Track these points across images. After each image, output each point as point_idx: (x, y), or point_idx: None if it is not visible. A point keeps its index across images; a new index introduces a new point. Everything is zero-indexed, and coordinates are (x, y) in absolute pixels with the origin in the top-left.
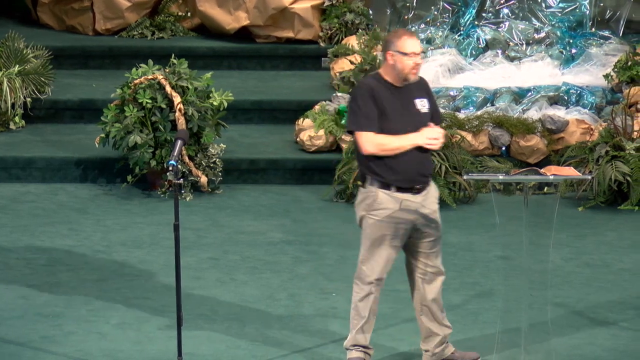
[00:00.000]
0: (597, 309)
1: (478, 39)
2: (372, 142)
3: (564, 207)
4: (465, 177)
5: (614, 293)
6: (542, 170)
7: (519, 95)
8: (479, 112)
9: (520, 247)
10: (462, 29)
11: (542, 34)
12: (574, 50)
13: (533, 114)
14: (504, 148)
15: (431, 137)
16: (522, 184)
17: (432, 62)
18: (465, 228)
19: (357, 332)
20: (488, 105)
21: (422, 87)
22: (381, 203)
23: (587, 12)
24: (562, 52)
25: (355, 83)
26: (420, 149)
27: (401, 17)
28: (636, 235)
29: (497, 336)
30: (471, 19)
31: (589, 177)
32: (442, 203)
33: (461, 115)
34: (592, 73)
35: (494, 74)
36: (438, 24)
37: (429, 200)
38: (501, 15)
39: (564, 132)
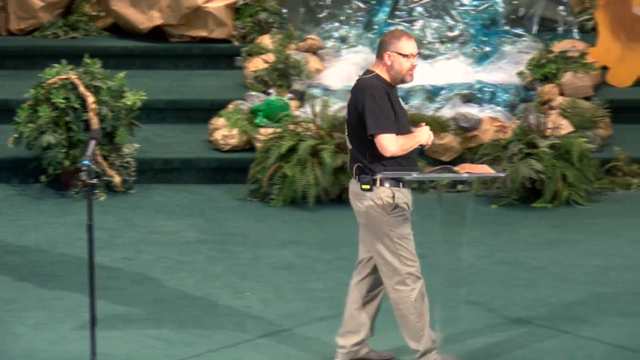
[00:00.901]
0: (511, 307)
1: None
2: (395, 144)
3: (477, 205)
4: (379, 175)
5: (528, 290)
6: (456, 169)
7: (432, 94)
8: None
9: (435, 245)
10: (375, 27)
11: (456, 32)
12: (487, 48)
13: (447, 112)
14: (417, 146)
15: (430, 135)
16: (436, 182)
17: (345, 60)
18: None
19: (426, 332)
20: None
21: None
22: (399, 200)
23: (501, 10)
24: (475, 50)
25: (355, 84)
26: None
27: (315, 16)
28: (550, 233)
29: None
30: (385, 17)
31: (503, 175)
32: None
33: None
34: (505, 71)
35: None
36: (352, 22)
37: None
38: (415, 14)
39: (477, 130)
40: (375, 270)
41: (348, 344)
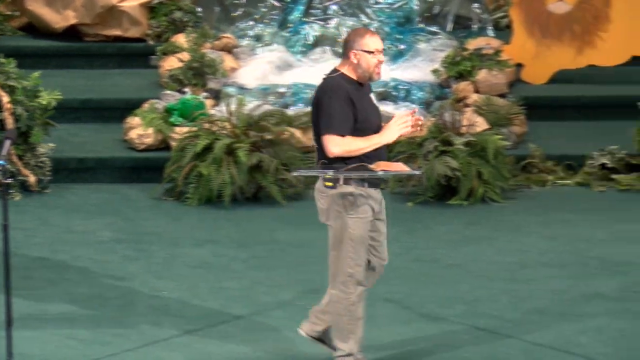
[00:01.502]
0: (427, 304)
1: (306, 36)
2: (337, 144)
3: (393, 203)
4: (294, 173)
5: (444, 288)
6: (372, 167)
7: None
8: (308, 109)
9: None
10: (290, 25)
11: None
12: (402, 46)
13: None
14: None
15: (402, 125)
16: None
17: (260, 59)
18: (295, 225)
19: (356, 335)
20: None
21: (368, 85)
22: (359, 201)
23: (415, 8)
24: (390, 48)
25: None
26: (386, 146)
27: (230, 15)
28: (466, 230)
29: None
30: (300, 15)
31: (418, 173)
32: (271, 200)
33: (290, 111)
34: (420, 69)
35: (322, 71)
36: (266, 21)
37: (381, 193)
38: (329, 12)
39: None
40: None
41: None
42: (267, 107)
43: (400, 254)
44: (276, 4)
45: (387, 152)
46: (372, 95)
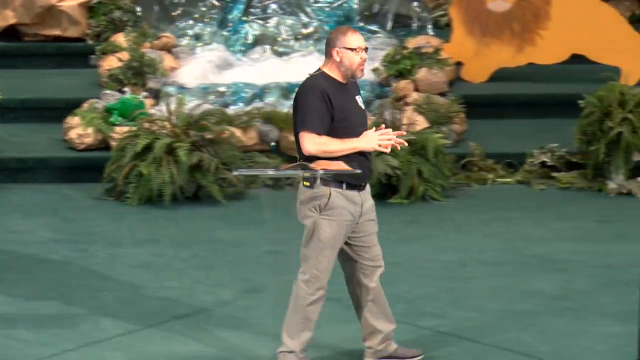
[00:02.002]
0: None
1: (246, 35)
2: (314, 142)
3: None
4: (235, 173)
5: (385, 287)
6: (312, 165)
7: (288, 91)
8: (248, 108)
9: (291, 243)
10: (230, 25)
11: (310, 29)
12: None
13: None
14: (273, 143)
15: (384, 139)
16: (292, 179)
17: (200, 58)
18: (236, 224)
19: (304, 336)
20: (257, 100)
21: (355, 86)
22: (334, 203)
23: (355, 6)
24: None
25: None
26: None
27: (169, 14)
28: (406, 229)
29: (271, 332)
30: (239, 14)
31: (358, 171)
32: (212, 200)
33: (230, 111)
34: None
35: (262, 70)
36: (206, 20)
37: (367, 194)
38: (269, 11)
39: None
40: (355, 263)
41: (373, 344)
42: (207, 107)
43: None
44: (216, 3)
45: (371, 161)
46: (359, 97)
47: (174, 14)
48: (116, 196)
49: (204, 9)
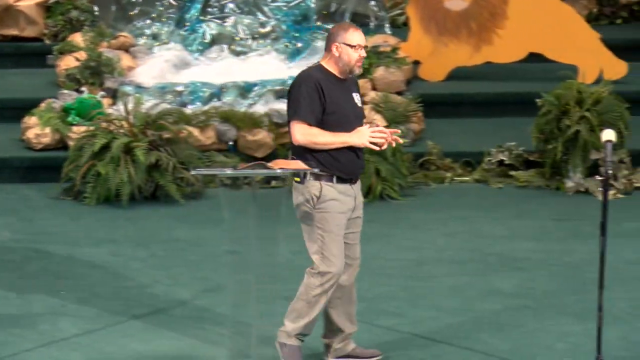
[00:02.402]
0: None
1: (204, 34)
2: (304, 133)
3: (292, 201)
4: (193, 172)
5: None
6: (270, 164)
7: (245, 90)
8: (205, 107)
9: (249, 242)
10: (187, 24)
11: (268, 28)
12: (299, 44)
13: (260, 108)
14: (231, 143)
15: (376, 136)
16: (250, 179)
17: (158, 58)
18: (194, 223)
19: (308, 322)
20: (215, 100)
21: (354, 82)
22: (326, 196)
23: (312, 5)
24: (287, 46)
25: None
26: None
27: (126, 14)
28: (365, 228)
29: (228, 331)
30: (197, 14)
31: (316, 170)
32: (170, 199)
33: (188, 110)
34: None
35: (220, 69)
36: (164, 19)
37: (358, 191)
38: (226, 10)
39: None
40: None
41: (332, 342)
42: (164, 106)
43: (299, 252)
44: (173, 2)
45: (363, 156)
46: (357, 95)
47: (131, 13)
48: (74, 196)
49: (161, 8)
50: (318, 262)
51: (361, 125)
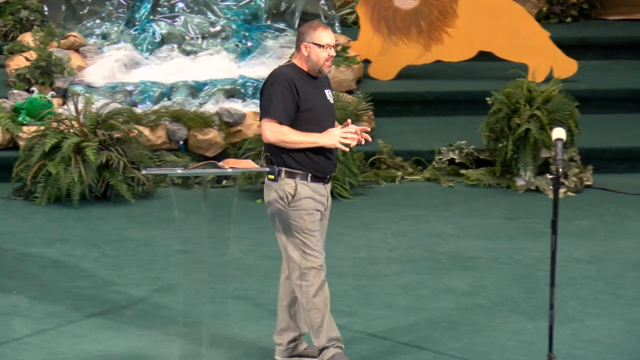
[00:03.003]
0: (277, 301)
1: (154, 34)
2: (273, 131)
3: (243, 200)
4: (143, 172)
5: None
6: (220, 164)
7: (195, 89)
8: (156, 107)
9: (200, 241)
10: (137, 23)
11: (218, 28)
12: (249, 43)
13: (210, 108)
14: (181, 142)
15: (347, 136)
16: (201, 178)
17: (108, 57)
18: (145, 223)
19: (328, 328)
20: (165, 99)
21: (326, 79)
22: (301, 194)
23: (262, 5)
24: (238, 46)
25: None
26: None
27: (76, 13)
28: None
29: (180, 331)
30: (146, 13)
31: (267, 169)
32: (121, 199)
33: (138, 110)
34: (268, 65)
35: (170, 69)
36: (113, 19)
37: (329, 190)
38: (176, 10)
39: (241, 125)
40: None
41: (284, 341)
42: (115, 106)
43: (250, 251)
44: (123, 2)
45: (336, 155)
46: (329, 91)
47: (81, 13)
48: (25, 196)
49: (111, 8)
50: (299, 259)
51: (333, 121)
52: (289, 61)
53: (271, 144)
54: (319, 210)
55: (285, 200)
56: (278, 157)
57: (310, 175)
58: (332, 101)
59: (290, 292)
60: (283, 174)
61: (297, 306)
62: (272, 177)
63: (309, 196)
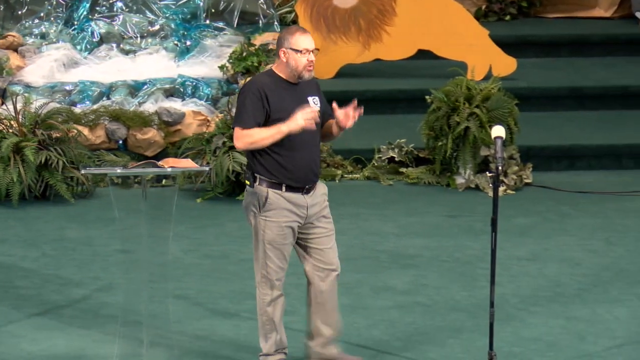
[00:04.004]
0: (218, 300)
1: (93, 33)
2: (240, 137)
3: (182, 199)
4: (83, 171)
5: (234, 284)
6: (160, 163)
7: (134, 89)
8: (95, 106)
9: (140, 240)
10: (76, 23)
11: (157, 27)
12: (188, 43)
13: (149, 107)
14: (121, 141)
15: (307, 114)
16: (140, 177)
17: (46, 57)
18: (84, 222)
19: (273, 337)
20: (104, 99)
21: (312, 85)
22: (272, 204)
23: (201, 4)
24: (177, 45)
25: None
26: (311, 147)
27: (15, 13)
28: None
29: (119, 331)
30: (85, 13)
31: (207, 169)
32: (60, 199)
33: (77, 109)
34: (207, 65)
35: (109, 68)
36: (52, 18)
37: (317, 198)
38: (115, 9)
39: (180, 124)
40: (309, 263)
41: (314, 345)
42: (54, 105)
43: (190, 250)
44: (61, 1)
45: (318, 164)
46: (314, 98)
47: (20, 12)
48: None
49: (49, 7)
50: (260, 266)
51: (315, 129)
52: (270, 67)
53: (247, 151)
54: (289, 225)
55: (258, 207)
56: (253, 164)
57: (284, 185)
58: (316, 107)
59: (315, 296)
60: (258, 181)
61: (323, 310)
62: (248, 182)
63: (283, 207)
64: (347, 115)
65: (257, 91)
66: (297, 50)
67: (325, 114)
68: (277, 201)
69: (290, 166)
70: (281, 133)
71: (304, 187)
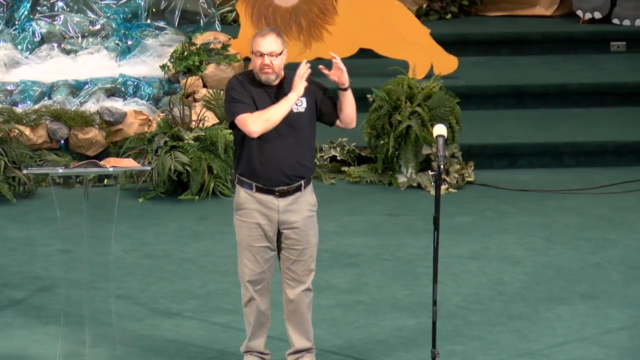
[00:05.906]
0: (160, 299)
1: (34, 33)
2: (252, 121)
3: (124, 199)
4: (24, 171)
5: (176, 283)
6: (102, 163)
7: (76, 88)
8: (36, 106)
9: (81, 240)
10: (17, 23)
11: (98, 26)
12: (129, 42)
13: (91, 107)
14: (62, 141)
15: (298, 75)
16: (82, 177)
17: None
18: (26, 222)
19: (250, 338)
20: (45, 99)
21: (289, 87)
22: (244, 204)
23: (142, 3)
24: (118, 44)
25: None
26: (287, 149)
27: None
28: (197, 225)
29: (61, 330)
30: (26, 12)
31: (149, 168)
32: (2, 198)
33: (19, 109)
34: (148, 64)
35: (50, 68)
36: None
37: (295, 205)
38: (56, 9)
39: (122, 123)
40: (282, 270)
41: (288, 354)
42: None
43: (132, 250)
44: (2, 1)
45: (293, 168)
46: (300, 102)
47: None
48: None
49: None
50: (239, 267)
51: (298, 131)
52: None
53: (235, 151)
54: (258, 226)
55: (234, 206)
56: (234, 162)
57: (254, 185)
58: (298, 109)
59: (286, 305)
60: (236, 181)
61: (294, 319)
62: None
63: (253, 208)
64: (336, 69)
65: (238, 83)
66: (252, 52)
67: (326, 114)
68: (247, 201)
69: (260, 167)
70: (290, 100)
71: (273, 189)
